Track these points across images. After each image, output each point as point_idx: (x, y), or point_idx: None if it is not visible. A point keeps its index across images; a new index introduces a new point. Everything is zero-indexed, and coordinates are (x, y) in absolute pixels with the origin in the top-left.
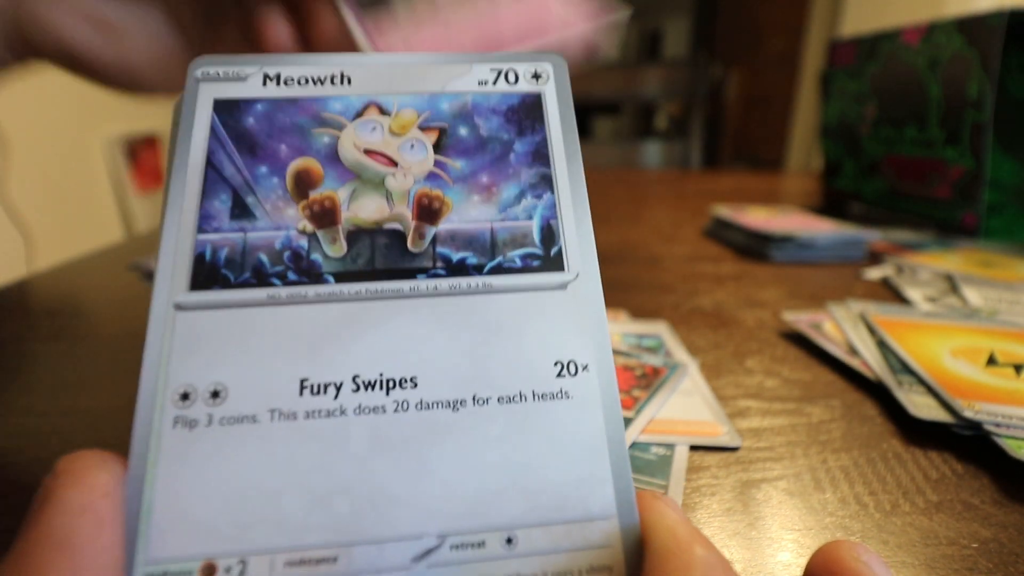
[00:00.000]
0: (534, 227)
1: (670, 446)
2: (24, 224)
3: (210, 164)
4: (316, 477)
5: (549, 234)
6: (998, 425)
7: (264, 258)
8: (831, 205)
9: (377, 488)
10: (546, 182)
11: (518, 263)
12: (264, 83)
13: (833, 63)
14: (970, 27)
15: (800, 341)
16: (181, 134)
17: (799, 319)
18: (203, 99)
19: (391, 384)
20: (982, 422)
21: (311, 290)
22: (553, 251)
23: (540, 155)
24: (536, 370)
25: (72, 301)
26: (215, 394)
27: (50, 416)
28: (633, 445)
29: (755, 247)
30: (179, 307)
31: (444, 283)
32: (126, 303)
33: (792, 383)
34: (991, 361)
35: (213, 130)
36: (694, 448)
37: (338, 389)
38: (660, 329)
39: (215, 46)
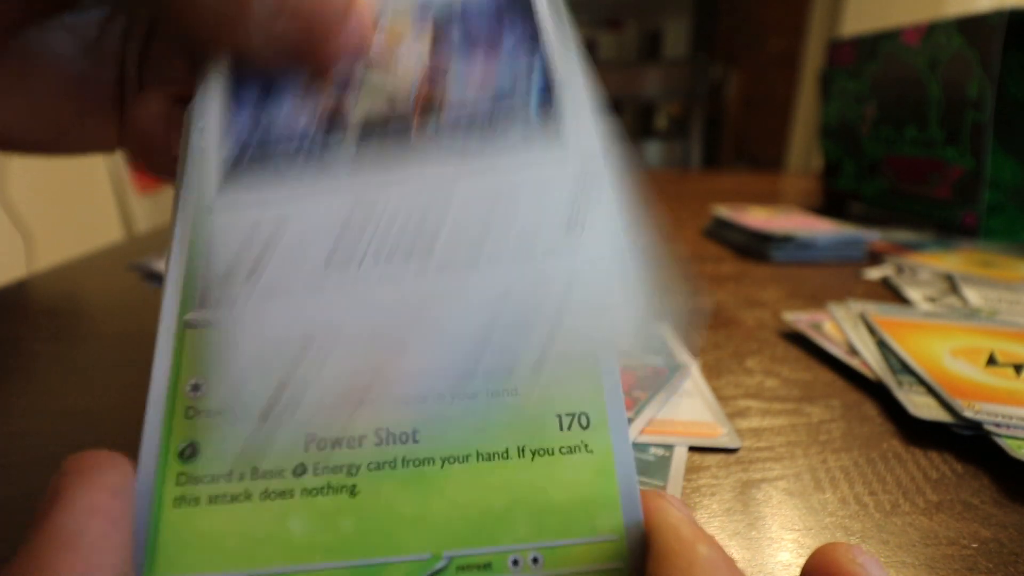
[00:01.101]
0: (532, 106)
1: (669, 447)
2: (24, 224)
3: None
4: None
5: (547, 110)
6: (998, 425)
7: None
8: (831, 205)
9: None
10: (538, 55)
11: (519, 141)
12: None
13: (833, 63)
14: (970, 27)
15: (800, 341)
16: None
17: (799, 319)
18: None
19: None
20: (982, 422)
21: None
22: (552, 121)
23: (532, 42)
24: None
25: (72, 301)
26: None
27: (50, 416)
28: (632, 446)
29: (755, 247)
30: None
31: (450, 168)
32: (126, 303)
33: (792, 383)
34: (991, 361)
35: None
36: (693, 448)
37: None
38: (662, 330)
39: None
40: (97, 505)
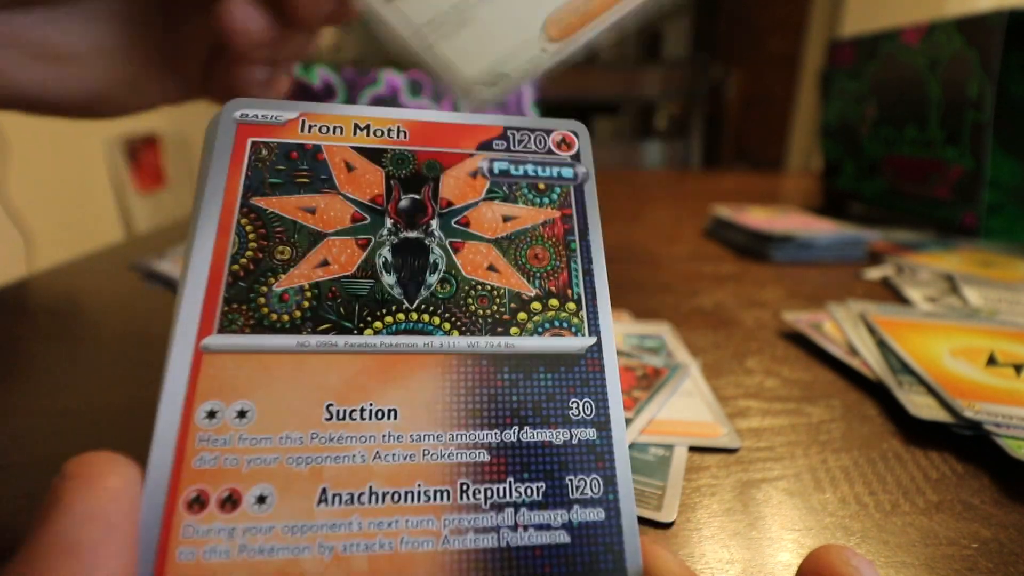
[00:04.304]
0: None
1: (669, 447)
2: (24, 224)
3: None
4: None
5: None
6: (998, 425)
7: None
8: (831, 205)
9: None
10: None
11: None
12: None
13: (833, 63)
14: (970, 27)
15: (800, 341)
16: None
17: (799, 319)
18: None
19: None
20: (982, 422)
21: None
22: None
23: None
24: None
25: (72, 301)
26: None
27: (50, 416)
28: (632, 446)
29: (755, 247)
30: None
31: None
32: (126, 303)
33: (792, 383)
34: (991, 361)
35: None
36: (693, 448)
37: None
38: (662, 330)
39: (178, 48)
40: (97, 510)
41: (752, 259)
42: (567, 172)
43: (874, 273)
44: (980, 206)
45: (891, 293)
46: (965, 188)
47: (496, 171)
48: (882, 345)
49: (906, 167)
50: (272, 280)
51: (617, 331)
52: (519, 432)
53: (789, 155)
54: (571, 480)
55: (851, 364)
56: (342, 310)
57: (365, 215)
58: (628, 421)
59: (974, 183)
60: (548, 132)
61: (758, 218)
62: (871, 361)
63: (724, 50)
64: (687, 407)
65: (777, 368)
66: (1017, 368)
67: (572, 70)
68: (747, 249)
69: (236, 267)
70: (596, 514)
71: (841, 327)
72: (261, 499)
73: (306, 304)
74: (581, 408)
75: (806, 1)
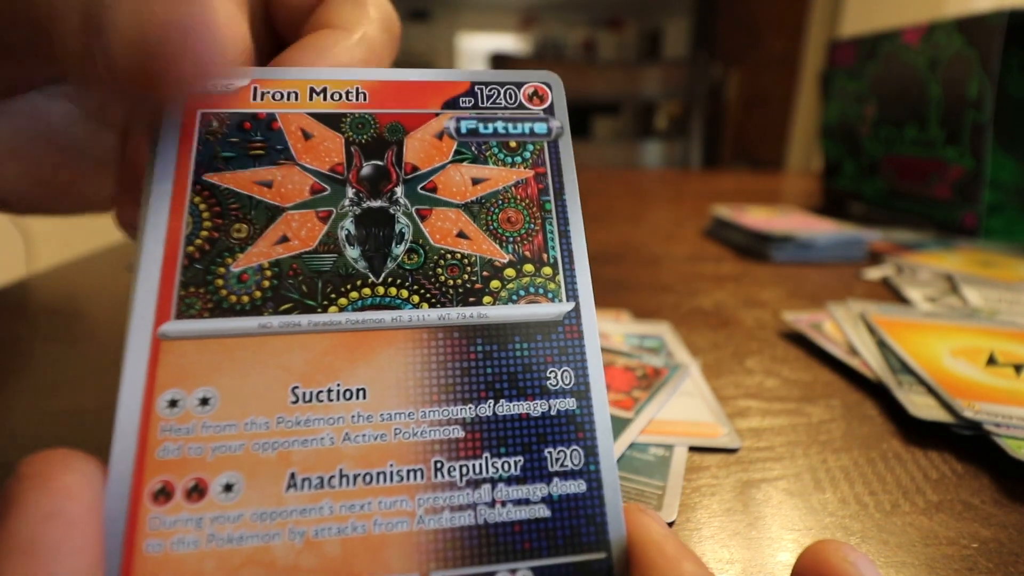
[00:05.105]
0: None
1: (669, 447)
2: (24, 224)
3: None
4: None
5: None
6: (998, 425)
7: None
8: (831, 205)
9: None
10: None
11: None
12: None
13: (833, 63)
14: (970, 27)
15: (800, 341)
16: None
17: (799, 319)
18: None
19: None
20: (982, 422)
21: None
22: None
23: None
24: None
25: (72, 301)
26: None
27: (50, 416)
28: (631, 446)
29: (755, 247)
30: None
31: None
32: (126, 304)
33: (792, 383)
34: (991, 361)
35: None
36: (693, 448)
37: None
38: (662, 330)
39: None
40: (54, 510)
41: (752, 259)
42: (540, 128)
43: (874, 273)
44: (980, 206)
45: (891, 293)
46: (965, 188)
47: (463, 130)
48: (882, 345)
49: (906, 167)
50: (230, 260)
51: (617, 331)
52: (495, 406)
53: (789, 155)
54: (550, 452)
55: (851, 364)
56: (304, 288)
57: (325, 185)
58: (628, 421)
59: (974, 183)
60: (519, 85)
61: (758, 218)
62: (871, 361)
63: (724, 50)
64: (687, 407)
65: (777, 368)
66: (1017, 368)
67: (572, 70)
68: (747, 249)
69: (191, 248)
70: (577, 486)
71: (841, 327)
72: (228, 487)
73: (266, 284)
74: (559, 377)
75: (806, 1)
